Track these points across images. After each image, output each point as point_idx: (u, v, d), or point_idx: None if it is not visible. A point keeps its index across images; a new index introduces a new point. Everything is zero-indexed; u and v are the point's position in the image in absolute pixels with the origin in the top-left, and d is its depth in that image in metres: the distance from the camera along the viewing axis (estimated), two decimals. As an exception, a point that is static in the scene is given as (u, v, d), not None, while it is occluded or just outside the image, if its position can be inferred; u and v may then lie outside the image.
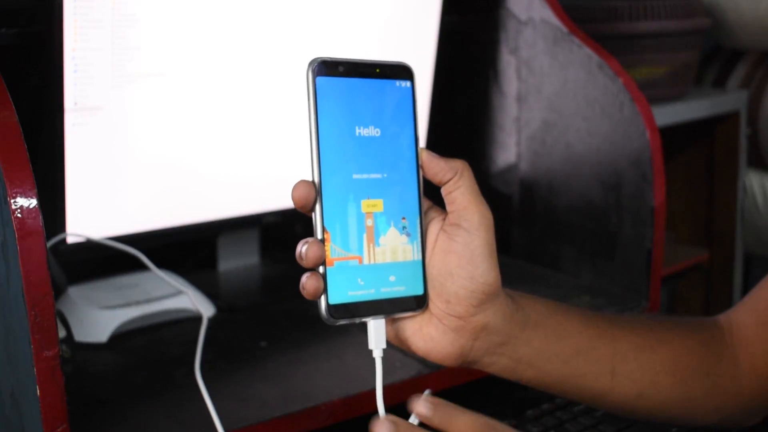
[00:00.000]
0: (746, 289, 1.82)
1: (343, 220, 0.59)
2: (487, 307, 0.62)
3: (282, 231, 1.27)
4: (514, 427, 0.87)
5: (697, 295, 1.86)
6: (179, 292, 1.05)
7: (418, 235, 0.61)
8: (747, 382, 0.73)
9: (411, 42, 1.20)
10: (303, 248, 0.57)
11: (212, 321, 1.05)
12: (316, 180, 0.58)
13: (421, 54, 1.21)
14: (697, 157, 1.82)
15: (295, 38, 1.08)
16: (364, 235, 0.59)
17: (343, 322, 0.59)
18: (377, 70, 0.61)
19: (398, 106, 0.61)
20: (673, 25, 1.54)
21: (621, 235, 1.16)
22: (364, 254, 0.59)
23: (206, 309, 1.04)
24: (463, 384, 0.95)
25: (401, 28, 1.18)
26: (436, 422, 0.59)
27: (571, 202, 1.22)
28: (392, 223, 0.60)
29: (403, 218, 0.61)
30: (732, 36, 1.81)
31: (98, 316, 1.00)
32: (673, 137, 1.66)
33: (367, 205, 0.60)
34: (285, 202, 1.14)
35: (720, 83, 1.86)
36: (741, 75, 1.83)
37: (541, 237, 1.28)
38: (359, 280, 0.59)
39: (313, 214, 0.58)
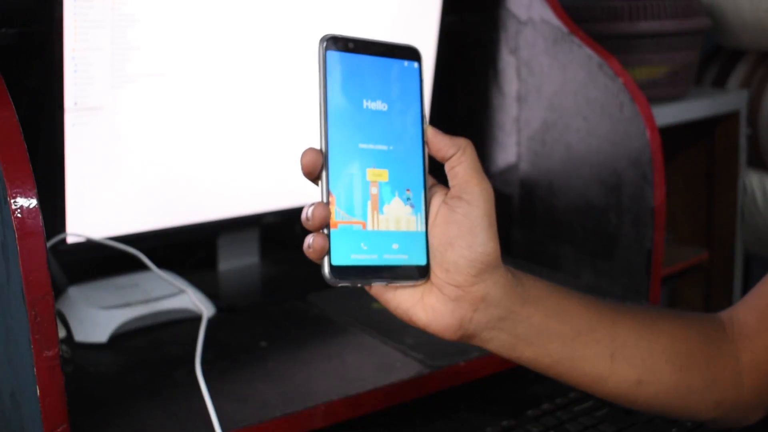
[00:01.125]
0: (746, 289, 1.82)
1: (348, 186, 0.61)
2: (486, 278, 0.63)
3: (282, 231, 1.27)
4: (514, 427, 0.88)
5: (697, 295, 1.86)
6: (179, 292, 1.05)
7: (423, 207, 0.64)
8: (747, 377, 0.73)
9: (411, 42, 1.19)
10: (309, 210, 0.60)
11: (212, 321, 1.05)
12: (323, 147, 0.61)
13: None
14: (697, 157, 1.82)
15: (296, 39, 1.08)
16: (369, 202, 0.62)
17: (344, 283, 0.61)
18: (386, 50, 0.64)
19: (405, 85, 0.64)
20: (673, 25, 1.54)
21: (621, 235, 1.16)
22: (368, 220, 0.61)
23: (206, 309, 1.04)
24: (464, 384, 0.95)
25: (401, 28, 1.18)
26: None
27: (571, 202, 1.22)
28: (397, 194, 0.63)
29: (408, 190, 0.63)
30: (732, 36, 1.81)
31: (98, 316, 1.00)
32: (673, 137, 1.66)
33: (372, 173, 0.62)
34: (285, 202, 1.14)
35: (720, 83, 1.86)
36: (741, 75, 1.83)
37: (541, 237, 1.28)
38: (362, 244, 0.61)
39: (319, 181, 0.61)
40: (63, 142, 0.94)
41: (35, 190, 0.68)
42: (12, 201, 0.66)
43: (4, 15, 0.94)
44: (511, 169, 1.30)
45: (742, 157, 1.77)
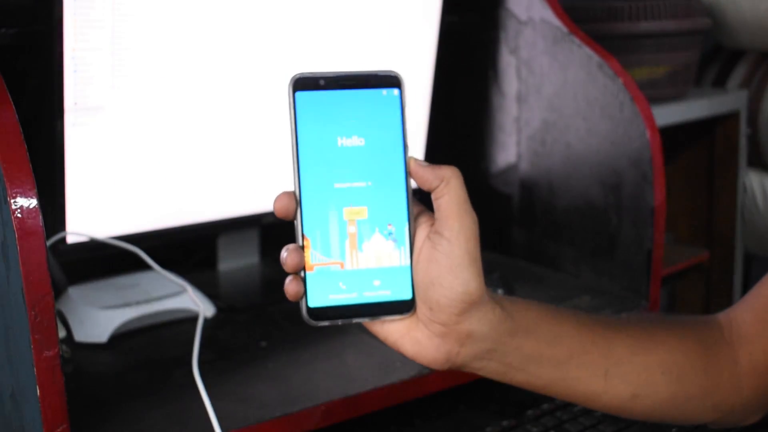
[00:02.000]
0: (746, 289, 1.82)
1: (323, 228, 0.60)
2: (470, 315, 0.62)
3: (282, 231, 1.27)
4: (514, 427, 0.88)
5: (697, 295, 1.86)
6: (179, 292, 1.05)
7: (406, 240, 0.62)
8: (746, 379, 0.73)
9: (411, 42, 1.20)
10: (284, 255, 0.60)
11: (212, 321, 1.05)
12: (296, 190, 0.60)
13: (421, 54, 1.21)
14: (697, 157, 1.82)
15: (296, 39, 1.08)
16: (347, 242, 0.61)
17: (323, 323, 0.61)
18: (362, 81, 0.62)
19: (385, 115, 0.62)
20: (673, 25, 1.54)
21: (621, 235, 1.16)
22: (346, 259, 0.61)
23: (206, 309, 1.04)
24: (464, 384, 0.95)
25: (401, 28, 1.18)
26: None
27: (571, 202, 1.22)
28: (377, 230, 0.61)
29: (390, 225, 0.62)
30: (732, 36, 1.81)
31: (98, 316, 1.00)
32: (673, 137, 1.66)
33: (349, 212, 0.61)
34: (285, 202, 1.14)
35: (720, 83, 1.86)
36: (741, 75, 1.83)
37: (541, 237, 1.28)
38: (341, 284, 0.61)
39: (294, 222, 0.61)
40: (63, 142, 0.94)
41: (35, 190, 0.68)
42: (12, 201, 0.66)
43: (4, 15, 0.94)
44: (511, 169, 1.30)
45: (742, 157, 1.77)
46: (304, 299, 0.60)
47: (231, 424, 0.80)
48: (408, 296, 0.62)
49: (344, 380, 0.90)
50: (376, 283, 0.61)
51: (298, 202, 0.60)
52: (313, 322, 0.60)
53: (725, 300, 1.81)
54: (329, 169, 0.61)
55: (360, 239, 0.61)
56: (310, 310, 0.60)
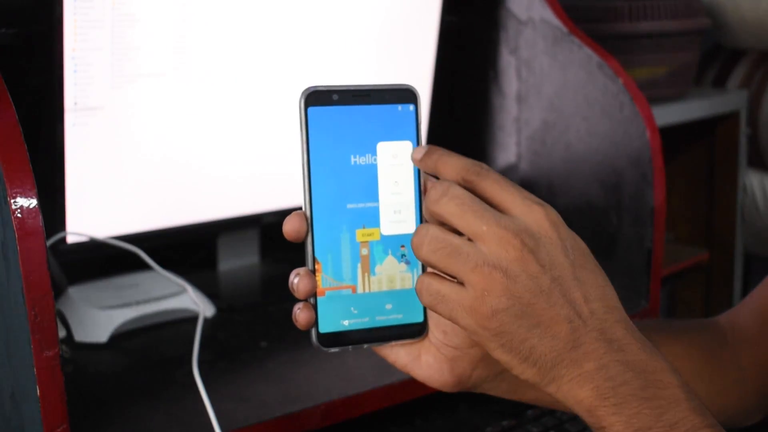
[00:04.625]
0: (746, 289, 1.82)
1: (335, 250, 0.59)
2: None
3: (282, 231, 1.27)
4: (514, 427, 0.88)
5: (697, 295, 1.86)
6: (179, 292, 1.05)
7: (419, 262, 0.60)
8: (750, 383, 0.73)
9: (411, 42, 1.20)
10: (294, 280, 0.58)
11: (212, 321, 1.05)
12: (307, 212, 0.58)
13: (421, 54, 1.21)
14: (697, 157, 1.82)
15: (295, 38, 1.08)
16: (359, 265, 0.59)
17: (335, 349, 0.59)
18: (376, 96, 0.59)
19: (399, 132, 0.60)
20: (673, 25, 1.54)
21: (621, 235, 1.16)
22: (359, 283, 0.59)
23: (206, 309, 1.04)
24: (463, 384, 0.95)
25: (401, 28, 1.18)
26: (430, 166, 0.57)
27: (571, 202, 1.22)
28: (390, 252, 0.60)
29: (402, 246, 0.60)
30: (732, 36, 1.81)
31: (98, 316, 1.00)
32: (673, 137, 1.66)
33: (362, 234, 0.59)
34: (285, 202, 1.14)
35: (720, 83, 1.86)
36: (741, 75, 1.83)
37: (541, 237, 1.28)
38: (352, 308, 0.59)
39: (305, 245, 0.59)
40: (63, 142, 0.94)
41: (35, 190, 0.68)
42: (12, 201, 0.66)
43: (4, 15, 0.94)
44: (511, 169, 1.30)
45: (742, 157, 1.77)
46: (314, 325, 0.59)
47: (231, 424, 0.80)
48: (420, 319, 0.61)
49: (344, 380, 0.90)
50: (388, 306, 0.60)
51: (310, 224, 0.58)
52: (324, 349, 0.59)
53: (725, 300, 1.81)
54: (342, 188, 0.58)
55: (372, 262, 0.59)
56: (320, 336, 0.59)
